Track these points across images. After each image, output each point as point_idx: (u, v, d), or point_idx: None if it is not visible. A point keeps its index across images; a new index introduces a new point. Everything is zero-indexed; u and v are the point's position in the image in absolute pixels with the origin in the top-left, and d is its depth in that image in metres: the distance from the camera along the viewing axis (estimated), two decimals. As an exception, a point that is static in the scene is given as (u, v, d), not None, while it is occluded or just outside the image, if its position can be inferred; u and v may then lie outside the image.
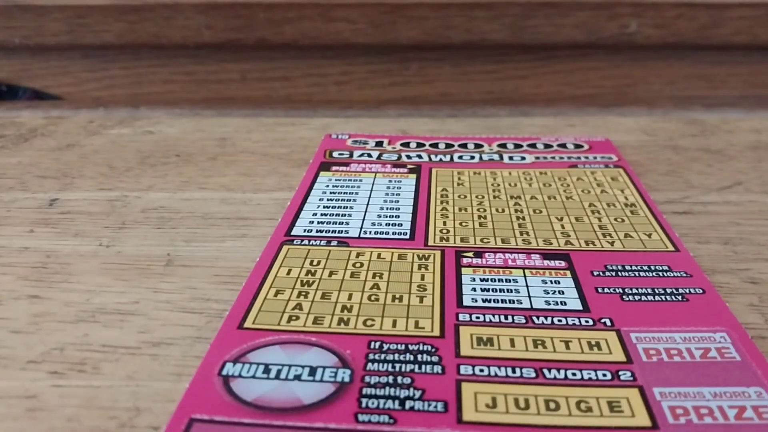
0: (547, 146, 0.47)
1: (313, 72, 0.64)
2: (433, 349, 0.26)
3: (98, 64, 0.64)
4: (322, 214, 0.37)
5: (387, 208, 0.38)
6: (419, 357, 0.26)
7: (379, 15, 0.59)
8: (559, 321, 0.28)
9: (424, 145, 0.48)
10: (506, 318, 0.28)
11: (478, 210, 0.38)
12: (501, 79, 0.64)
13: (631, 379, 0.24)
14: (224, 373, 0.25)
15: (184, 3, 0.59)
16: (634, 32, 0.59)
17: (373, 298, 0.29)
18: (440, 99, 0.64)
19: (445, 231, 0.36)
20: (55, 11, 0.60)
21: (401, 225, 0.36)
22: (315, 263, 0.32)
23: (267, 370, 0.25)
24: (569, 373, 0.25)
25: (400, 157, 0.46)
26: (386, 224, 0.36)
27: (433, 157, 0.46)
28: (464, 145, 0.48)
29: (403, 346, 0.26)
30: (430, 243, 0.34)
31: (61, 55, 0.63)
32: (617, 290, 0.30)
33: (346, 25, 0.60)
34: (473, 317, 0.28)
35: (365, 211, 0.38)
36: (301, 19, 0.60)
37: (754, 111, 0.59)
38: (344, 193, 0.40)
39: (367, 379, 0.24)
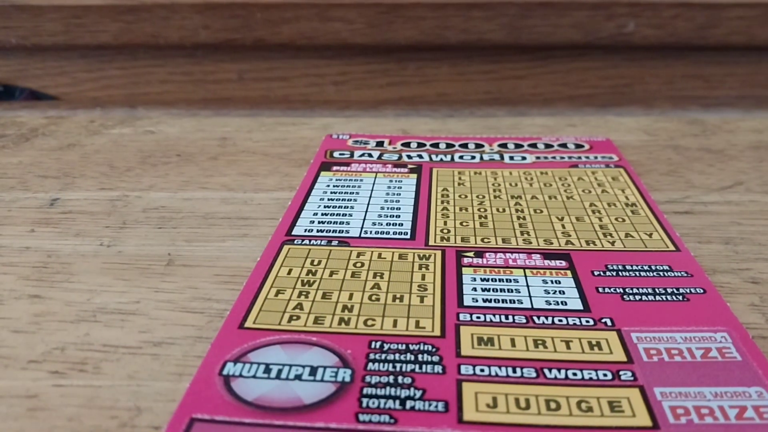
0: (547, 146, 0.47)
1: (310, 72, 0.64)
2: (434, 349, 0.26)
3: (95, 65, 0.64)
4: (322, 214, 0.37)
5: (388, 208, 0.38)
6: (420, 357, 0.26)
7: (376, 15, 0.59)
8: (560, 321, 0.28)
9: (424, 145, 0.48)
10: (507, 318, 0.28)
11: (478, 210, 0.38)
12: (498, 79, 0.64)
13: (632, 378, 0.25)
14: (225, 372, 0.25)
15: (180, 3, 0.59)
16: (631, 32, 0.60)
17: (373, 297, 0.30)
18: (438, 99, 0.64)
19: (445, 231, 0.36)
20: (51, 11, 0.59)
21: (402, 225, 0.36)
22: (316, 263, 0.32)
23: (268, 370, 0.25)
24: (570, 373, 0.25)
25: (400, 157, 0.46)
26: (387, 224, 0.36)
27: (433, 157, 0.46)
28: (465, 145, 0.48)
29: (404, 346, 0.26)
30: (431, 243, 0.34)
31: (58, 55, 0.63)
32: (618, 290, 0.30)
33: (343, 25, 0.60)
34: (474, 317, 0.28)
35: (366, 211, 0.38)
36: (298, 19, 0.60)
37: (752, 111, 0.59)
38: (345, 192, 0.40)
39: (367, 378, 0.24)
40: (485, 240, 0.35)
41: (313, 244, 0.34)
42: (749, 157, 0.48)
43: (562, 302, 0.29)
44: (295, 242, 0.34)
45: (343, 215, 0.37)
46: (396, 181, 0.42)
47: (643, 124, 0.55)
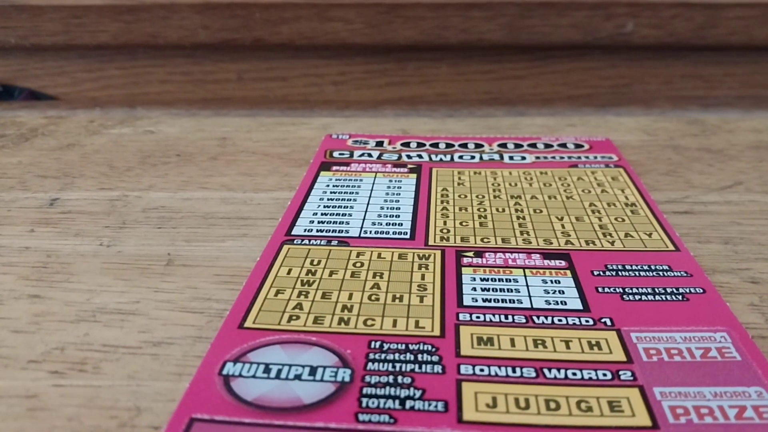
0: (547, 146, 0.47)
1: (310, 72, 0.64)
2: (434, 349, 0.26)
3: (95, 65, 0.64)
4: (322, 214, 0.37)
5: (387, 208, 0.38)
6: (419, 357, 0.26)
7: (376, 15, 0.59)
8: (560, 321, 0.28)
9: (424, 144, 0.48)
10: (506, 318, 0.28)
11: (478, 210, 0.38)
12: (498, 79, 0.64)
13: (632, 378, 0.25)
14: (225, 372, 0.25)
15: (180, 3, 0.59)
16: (630, 32, 0.60)
17: (373, 297, 0.30)
18: (438, 99, 0.64)
19: (445, 231, 0.36)
20: (51, 11, 0.59)
21: (401, 225, 0.36)
22: (315, 263, 0.32)
23: (267, 370, 0.25)
24: (569, 372, 0.25)
25: (400, 157, 0.46)
26: (386, 224, 0.36)
27: (433, 156, 0.46)
28: (464, 145, 0.48)
29: (404, 346, 0.26)
30: (431, 243, 0.34)
31: (58, 55, 0.63)
32: (617, 290, 0.30)
33: (342, 25, 0.60)
34: (473, 317, 0.28)
35: (365, 211, 0.38)
36: (297, 19, 0.60)
37: (751, 111, 0.59)
38: (344, 192, 0.40)
39: (367, 378, 0.24)
40: (485, 240, 0.35)
41: (312, 244, 0.34)
42: (749, 157, 0.48)
43: (561, 302, 0.29)
44: (295, 242, 0.34)
45: (342, 215, 0.37)
46: (396, 181, 0.42)
47: (643, 124, 0.55)
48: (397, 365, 0.25)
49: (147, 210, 0.39)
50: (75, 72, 0.64)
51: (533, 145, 0.48)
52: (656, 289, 0.30)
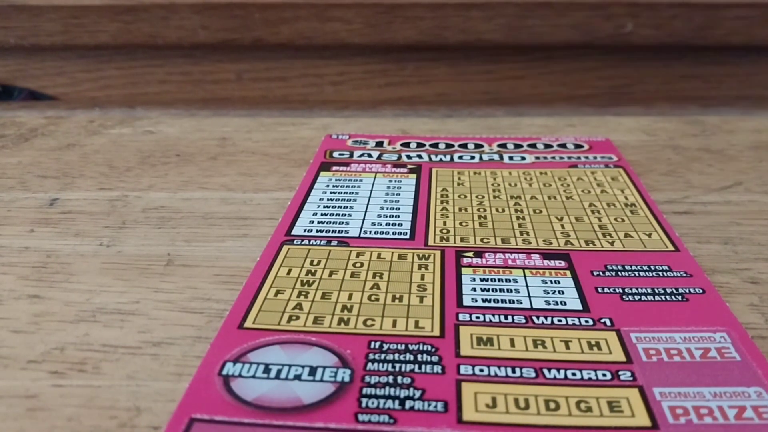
0: (547, 146, 0.47)
1: (309, 72, 0.64)
2: (433, 349, 0.26)
3: (94, 65, 0.64)
4: (322, 214, 0.37)
5: (387, 208, 0.38)
6: (419, 357, 0.26)
7: (375, 15, 0.59)
8: (559, 321, 0.28)
9: (424, 145, 0.48)
10: (506, 318, 0.28)
11: (478, 210, 0.38)
12: (497, 79, 0.64)
13: (631, 379, 0.25)
14: (224, 372, 0.25)
15: (179, 3, 0.59)
16: (630, 32, 0.60)
17: (373, 297, 0.30)
18: (437, 99, 0.64)
19: (445, 231, 0.36)
20: (50, 11, 0.59)
21: (401, 225, 0.36)
22: (315, 263, 0.32)
23: (267, 370, 0.25)
24: (569, 373, 0.25)
25: (400, 157, 0.46)
26: (386, 224, 0.36)
27: (433, 157, 0.46)
28: (464, 145, 0.48)
29: (403, 346, 0.26)
30: (430, 243, 0.34)
31: (57, 55, 0.63)
32: (617, 290, 0.30)
33: (342, 25, 0.60)
34: (473, 317, 0.28)
35: (365, 211, 0.38)
36: (297, 19, 0.60)
37: (751, 111, 0.59)
38: (344, 192, 0.40)
39: (367, 378, 0.24)
40: (485, 240, 0.35)
41: (312, 244, 0.34)
42: (748, 157, 0.48)
43: (561, 302, 0.29)
44: (295, 242, 0.34)
45: (342, 215, 0.37)
46: (395, 181, 0.42)
47: (643, 124, 0.55)
48: (397, 365, 0.25)
49: (147, 210, 0.39)
50: (74, 72, 0.64)
51: (533, 146, 0.48)
52: (656, 290, 0.30)
